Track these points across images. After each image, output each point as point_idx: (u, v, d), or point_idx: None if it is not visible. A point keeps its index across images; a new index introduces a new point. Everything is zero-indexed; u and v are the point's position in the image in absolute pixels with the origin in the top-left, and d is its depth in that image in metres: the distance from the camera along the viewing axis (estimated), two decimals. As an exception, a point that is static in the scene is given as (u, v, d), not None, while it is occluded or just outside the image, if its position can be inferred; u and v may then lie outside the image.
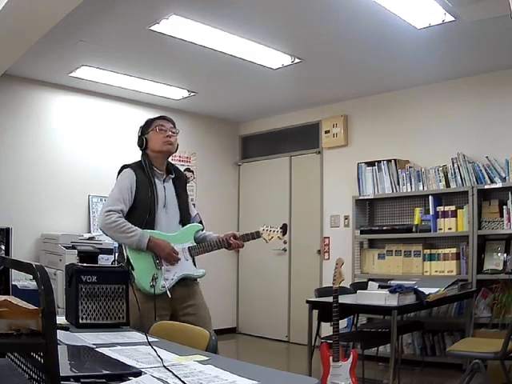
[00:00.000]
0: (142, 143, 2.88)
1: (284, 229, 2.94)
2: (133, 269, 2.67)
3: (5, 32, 3.52)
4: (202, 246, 2.85)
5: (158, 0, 3.58)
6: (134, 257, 2.70)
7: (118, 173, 2.86)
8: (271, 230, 2.92)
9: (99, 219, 2.74)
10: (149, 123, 2.92)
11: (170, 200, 2.85)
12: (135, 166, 2.83)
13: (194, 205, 3.14)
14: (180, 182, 2.98)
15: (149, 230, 2.72)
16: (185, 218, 2.90)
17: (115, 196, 2.74)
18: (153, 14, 3.76)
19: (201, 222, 2.98)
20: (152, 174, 2.82)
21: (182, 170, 3.23)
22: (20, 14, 3.25)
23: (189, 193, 3.15)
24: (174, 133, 2.90)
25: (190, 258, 2.81)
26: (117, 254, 2.90)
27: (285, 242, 6.23)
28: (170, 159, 2.98)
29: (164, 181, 2.88)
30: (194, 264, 2.85)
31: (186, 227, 2.88)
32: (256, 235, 2.92)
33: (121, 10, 3.72)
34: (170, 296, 2.68)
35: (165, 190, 2.85)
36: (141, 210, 2.75)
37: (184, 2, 3.60)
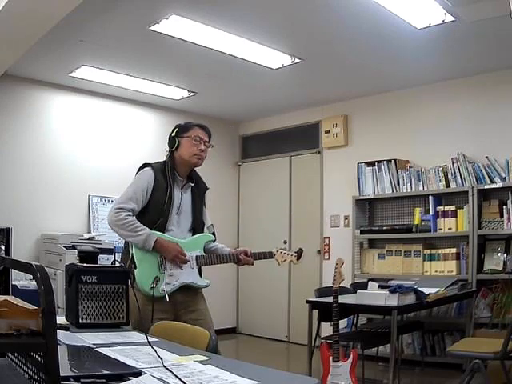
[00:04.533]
0: (174, 144, 2.82)
1: (299, 254, 2.88)
2: (135, 268, 2.64)
3: (5, 32, 3.52)
4: (210, 256, 2.82)
5: (158, 0, 3.58)
6: (139, 256, 2.67)
7: (138, 170, 2.82)
8: (285, 253, 2.88)
9: (108, 214, 2.71)
10: (187, 128, 2.85)
11: (184, 207, 2.81)
12: (156, 168, 2.79)
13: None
14: (199, 190, 2.93)
15: (158, 232, 2.69)
16: (197, 227, 2.87)
17: (129, 194, 2.70)
18: (153, 14, 3.76)
19: (214, 234, 2.93)
20: (172, 179, 2.78)
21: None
22: (20, 13, 3.25)
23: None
24: (207, 146, 2.86)
25: (195, 266, 2.78)
26: (121, 252, 2.86)
27: (285, 242, 6.23)
28: None
29: (182, 187, 2.83)
30: (200, 274, 2.82)
31: (196, 236, 2.85)
32: (269, 255, 2.89)
33: (121, 10, 3.72)
34: (167, 300, 2.65)
35: (181, 197, 2.80)
36: (153, 213, 2.72)
37: (184, 1, 3.60)
